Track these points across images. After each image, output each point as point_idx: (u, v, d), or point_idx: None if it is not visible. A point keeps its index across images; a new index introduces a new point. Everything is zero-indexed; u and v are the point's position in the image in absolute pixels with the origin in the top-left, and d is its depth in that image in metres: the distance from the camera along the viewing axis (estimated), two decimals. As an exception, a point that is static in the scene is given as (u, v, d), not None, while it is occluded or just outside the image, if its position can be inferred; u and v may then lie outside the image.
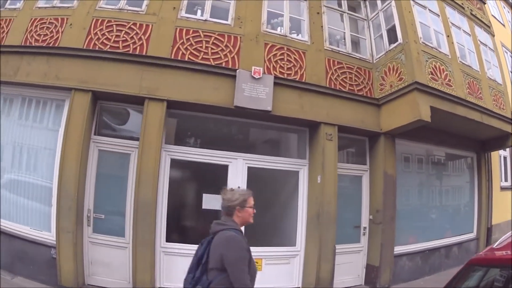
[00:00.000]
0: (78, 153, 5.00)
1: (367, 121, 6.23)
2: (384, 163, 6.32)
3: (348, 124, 6.12)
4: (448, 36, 6.83)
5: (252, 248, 5.43)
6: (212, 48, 5.75)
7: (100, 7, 5.76)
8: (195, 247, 5.14)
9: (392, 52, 6.27)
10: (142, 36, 5.62)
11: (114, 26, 5.62)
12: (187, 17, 5.87)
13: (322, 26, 6.50)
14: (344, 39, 6.71)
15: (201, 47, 5.73)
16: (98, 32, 5.56)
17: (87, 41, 5.50)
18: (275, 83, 5.75)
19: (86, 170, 5.22)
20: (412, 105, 5.81)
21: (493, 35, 8.34)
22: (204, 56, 5.67)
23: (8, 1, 6.33)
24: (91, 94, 5.26)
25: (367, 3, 7.10)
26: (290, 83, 5.90)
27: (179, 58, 5.58)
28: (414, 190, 7.65)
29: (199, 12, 6.01)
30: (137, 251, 4.95)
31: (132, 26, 5.64)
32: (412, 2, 6.32)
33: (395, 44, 6.20)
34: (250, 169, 5.83)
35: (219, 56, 5.75)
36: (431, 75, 6.11)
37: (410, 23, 6.10)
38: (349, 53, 6.55)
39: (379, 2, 6.79)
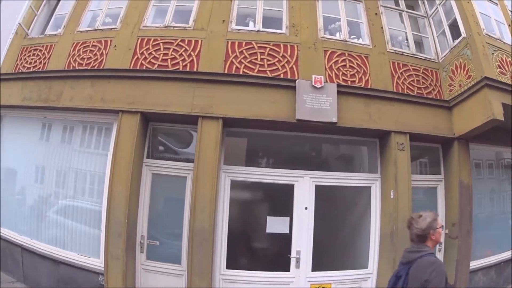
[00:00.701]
0: (127, 178, 4.67)
1: (439, 126, 5.50)
2: (459, 171, 5.55)
3: (419, 131, 5.40)
4: (509, 25, 6.03)
5: (320, 273, 4.91)
6: (268, 60, 5.21)
7: (145, 26, 5.47)
8: (259, 273, 4.84)
9: (457, 49, 5.57)
10: (192, 53, 5.20)
11: (161, 44, 5.27)
12: (238, 29, 5.40)
13: (382, 28, 5.86)
14: (407, 39, 6.04)
15: (256, 59, 5.20)
16: (145, 51, 5.25)
17: (133, 61, 5.19)
18: (338, 92, 5.11)
19: (139, 195, 4.91)
20: (484, 104, 5.06)
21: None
22: (260, 69, 5.15)
23: (48, 27, 6.16)
24: (139, 116, 4.90)
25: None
26: (355, 91, 5.25)
27: (233, 72, 5.07)
28: (486, 198, 6.79)
29: (250, 23, 5.53)
30: (192, 279, 4.53)
31: (180, 43, 5.26)
32: None
33: (459, 39, 5.52)
34: (318, 188, 5.19)
35: (276, 67, 5.19)
36: (499, 69, 5.33)
37: (470, 14, 5.46)
38: (413, 54, 5.86)
39: None
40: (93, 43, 5.46)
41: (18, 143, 5.59)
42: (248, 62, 5.15)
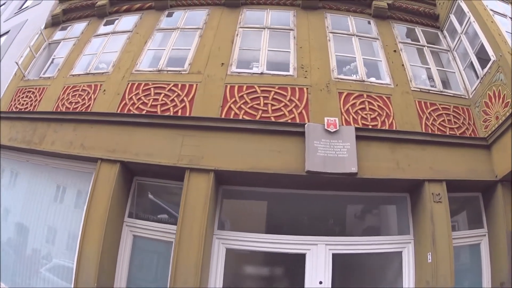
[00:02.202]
0: (100, 236, 3.84)
1: (479, 169, 4.41)
2: (505, 220, 4.34)
3: (458, 177, 4.31)
4: None
5: None
6: (272, 105, 4.40)
7: (137, 71, 4.98)
8: None
9: (488, 76, 4.71)
10: (185, 98, 4.53)
11: (152, 89, 4.68)
12: (239, 72, 4.70)
13: (403, 65, 5.05)
14: (431, 76, 5.19)
15: (258, 104, 4.41)
16: (134, 97, 4.67)
17: (120, 107, 4.61)
18: (357, 137, 4.16)
19: (116, 258, 4.05)
20: None
21: None
22: (263, 115, 4.33)
23: (45, 70, 5.83)
24: (119, 166, 4.11)
25: (445, 32, 5.74)
26: (377, 134, 4.29)
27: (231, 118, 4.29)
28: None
29: (254, 66, 4.85)
30: None
31: (173, 88, 4.63)
32: (491, 12, 4.98)
33: (490, 64, 4.68)
34: (335, 257, 4.05)
35: (282, 113, 4.36)
36: None
37: (497, 34, 4.68)
38: (441, 91, 4.96)
39: (457, 26, 5.42)
40: (83, 87, 4.96)
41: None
42: (249, 108, 4.35)
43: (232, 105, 4.39)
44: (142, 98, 4.58)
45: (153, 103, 4.51)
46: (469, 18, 5.08)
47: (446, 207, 4.15)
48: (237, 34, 5.16)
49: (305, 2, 5.47)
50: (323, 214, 4.59)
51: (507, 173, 4.28)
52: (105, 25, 5.91)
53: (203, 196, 3.85)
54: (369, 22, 5.59)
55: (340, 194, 4.40)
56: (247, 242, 4.09)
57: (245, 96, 4.46)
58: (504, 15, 5.18)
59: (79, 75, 5.23)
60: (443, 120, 4.68)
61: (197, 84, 4.58)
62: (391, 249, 4.30)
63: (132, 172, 4.28)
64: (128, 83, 4.75)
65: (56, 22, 6.24)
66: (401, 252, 4.27)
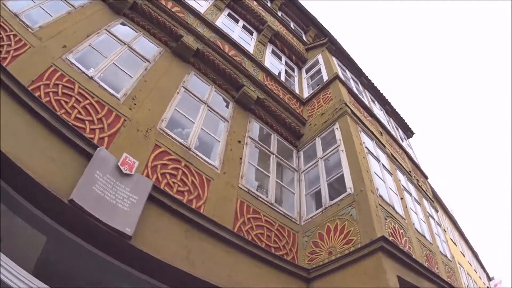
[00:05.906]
0: None
1: None
2: None
3: None
4: (402, 198, 5.98)
5: None
6: (79, 112, 4.11)
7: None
8: None
9: (334, 208, 5.03)
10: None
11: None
12: (65, 59, 4.45)
13: (241, 158, 5.46)
14: (267, 186, 5.54)
15: (57, 101, 4.03)
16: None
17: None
18: (151, 197, 3.94)
19: None
20: (373, 274, 3.97)
21: (437, 211, 8.12)
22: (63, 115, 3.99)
23: None
24: None
25: (300, 153, 6.44)
26: (177, 207, 4.11)
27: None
28: None
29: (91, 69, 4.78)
30: None
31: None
32: (366, 150, 5.69)
33: (342, 197, 5.06)
34: None
35: (82, 125, 4.08)
36: (391, 237, 4.69)
37: (365, 170, 5.19)
38: (271, 203, 5.29)
39: (319, 150, 6.03)
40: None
41: None
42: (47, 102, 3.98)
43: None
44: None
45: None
46: (338, 146, 5.71)
47: None
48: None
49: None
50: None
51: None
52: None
53: None
54: (227, 105, 6.16)
55: (109, 260, 3.62)
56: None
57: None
58: (378, 160, 6.03)
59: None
60: (262, 234, 4.81)
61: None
62: None
63: None
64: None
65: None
66: None
